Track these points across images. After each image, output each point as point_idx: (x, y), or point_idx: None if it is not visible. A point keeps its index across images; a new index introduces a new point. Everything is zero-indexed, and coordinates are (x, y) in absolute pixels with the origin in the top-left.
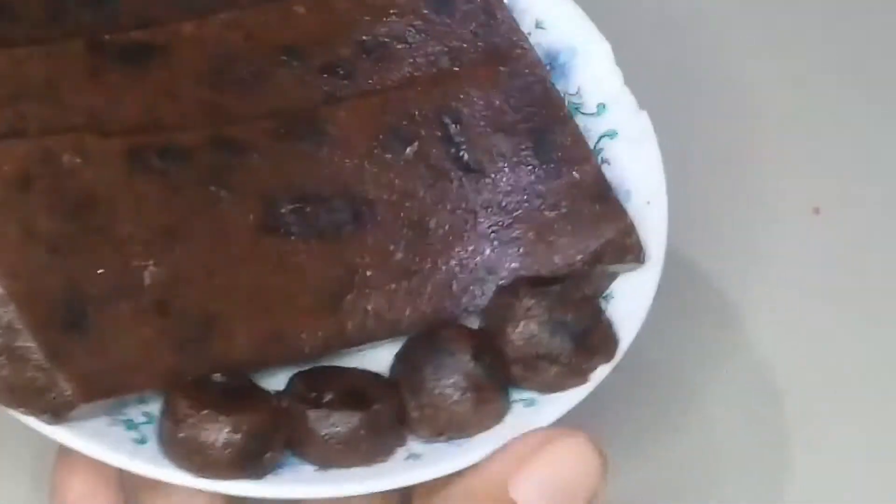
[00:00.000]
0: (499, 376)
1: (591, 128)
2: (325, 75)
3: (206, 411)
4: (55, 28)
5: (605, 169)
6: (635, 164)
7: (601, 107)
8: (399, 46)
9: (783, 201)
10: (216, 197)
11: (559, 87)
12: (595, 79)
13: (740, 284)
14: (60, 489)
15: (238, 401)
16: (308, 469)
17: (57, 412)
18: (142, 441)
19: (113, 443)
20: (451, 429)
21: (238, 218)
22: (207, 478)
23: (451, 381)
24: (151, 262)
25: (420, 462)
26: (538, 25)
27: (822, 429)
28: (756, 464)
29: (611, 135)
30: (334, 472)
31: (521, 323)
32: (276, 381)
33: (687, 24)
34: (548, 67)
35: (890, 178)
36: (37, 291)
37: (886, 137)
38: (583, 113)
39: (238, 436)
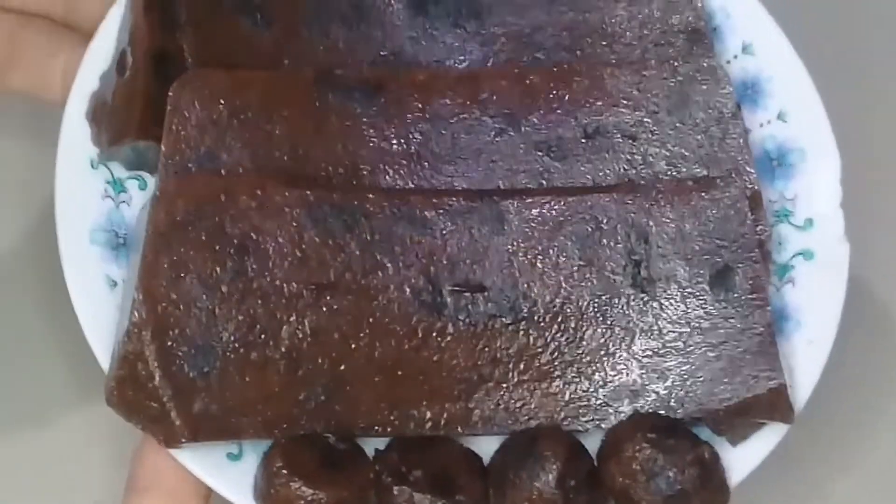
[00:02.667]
0: (579, 501)
1: (791, 240)
2: (539, 153)
3: (296, 478)
4: (284, 54)
5: (788, 289)
6: (819, 295)
7: (808, 223)
8: (620, 139)
9: None
10: (380, 265)
11: (778, 187)
12: (814, 191)
13: None
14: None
15: (333, 470)
16: None
17: (166, 441)
18: (237, 456)
19: (204, 454)
20: None
21: (395, 290)
22: None
23: (527, 494)
24: (294, 317)
25: None
26: (780, 117)
27: None
28: None
29: (808, 255)
30: None
31: (627, 462)
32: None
33: None
34: (775, 162)
35: None
36: (173, 327)
37: None
38: (790, 223)
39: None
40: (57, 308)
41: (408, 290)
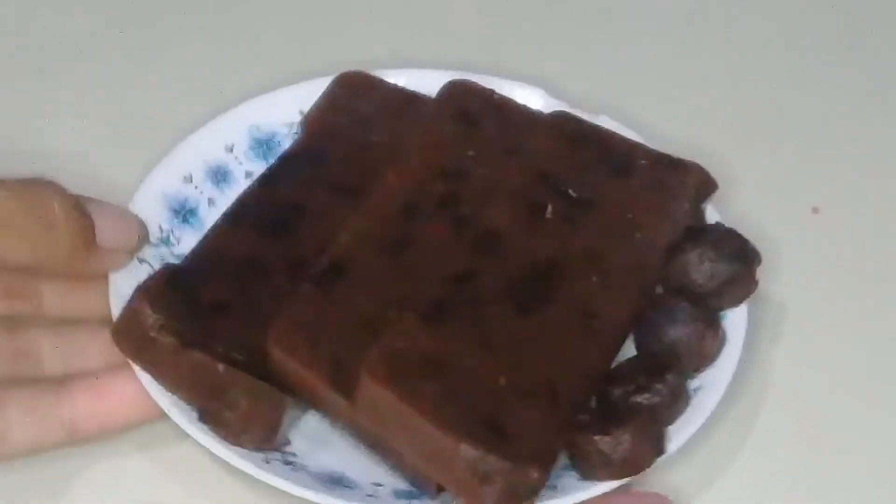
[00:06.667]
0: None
1: None
2: (444, 204)
3: (609, 430)
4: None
5: None
6: None
7: None
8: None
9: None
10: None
11: None
12: None
13: None
14: None
15: (610, 417)
16: None
17: (527, 496)
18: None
19: None
20: (702, 361)
21: (491, 297)
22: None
23: (681, 321)
24: (502, 378)
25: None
26: None
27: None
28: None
29: None
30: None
31: (701, 266)
32: None
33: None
34: None
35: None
36: (459, 420)
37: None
38: None
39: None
40: None
41: (508, 309)
